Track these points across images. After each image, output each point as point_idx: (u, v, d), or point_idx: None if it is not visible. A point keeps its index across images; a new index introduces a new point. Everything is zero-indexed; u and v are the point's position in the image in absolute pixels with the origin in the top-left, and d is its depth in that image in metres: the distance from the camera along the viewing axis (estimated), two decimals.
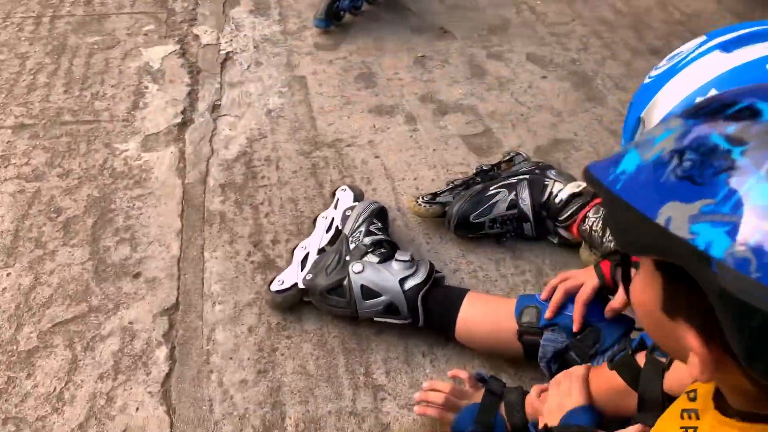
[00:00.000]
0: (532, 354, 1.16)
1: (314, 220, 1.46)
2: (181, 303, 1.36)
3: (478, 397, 1.13)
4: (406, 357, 1.27)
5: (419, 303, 1.22)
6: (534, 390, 1.07)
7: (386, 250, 1.31)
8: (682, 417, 0.65)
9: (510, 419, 1.07)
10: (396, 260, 1.26)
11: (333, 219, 1.42)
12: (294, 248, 1.40)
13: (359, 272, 1.25)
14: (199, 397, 1.20)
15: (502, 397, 1.10)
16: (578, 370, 1.01)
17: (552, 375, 1.14)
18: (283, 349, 1.28)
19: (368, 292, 1.24)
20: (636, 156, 0.57)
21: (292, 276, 1.33)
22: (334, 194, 1.51)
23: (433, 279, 1.25)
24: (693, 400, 0.64)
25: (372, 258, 1.28)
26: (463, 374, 1.15)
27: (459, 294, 1.24)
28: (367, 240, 1.31)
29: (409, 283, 1.23)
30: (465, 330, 1.21)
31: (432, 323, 1.25)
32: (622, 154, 0.59)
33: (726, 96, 0.54)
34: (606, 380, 0.97)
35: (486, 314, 1.20)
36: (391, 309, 1.23)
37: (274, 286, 1.31)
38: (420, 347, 1.29)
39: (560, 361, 1.13)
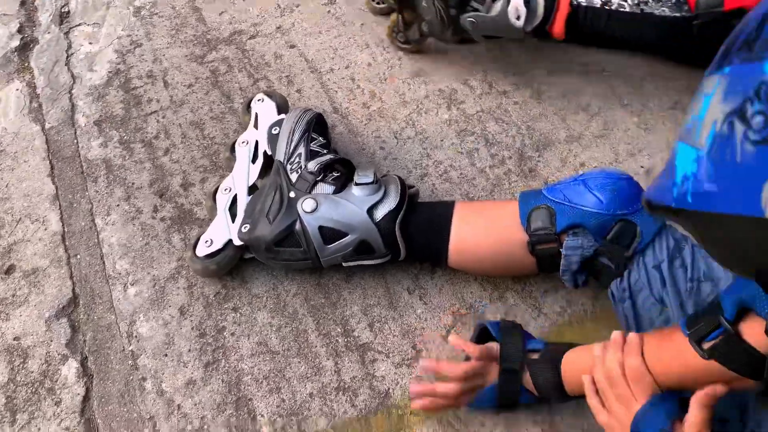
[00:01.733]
0: (548, 266, 0.91)
1: (231, 148, 1.11)
2: (81, 295, 1.01)
3: (494, 370, 0.86)
4: (390, 299, 1.01)
5: (398, 233, 0.93)
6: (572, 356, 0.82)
7: (340, 173, 0.99)
8: None
9: (537, 384, 0.83)
10: (356, 184, 0.95)
11: (257, 143, 1.07)
12: (214, 191, 1.05)
13: (312, 211, 0.93)
14: (135, 418, 0.91)
15: (521, 371, 0.84)
16: (630, 352, 0.70)
17: (577, 286, 0.90)
18: (231, 326, 0.98)
19: (330, 234, 0.93)
20: (688, 150, 0.46)
21: (221, 231, 1.00)
22: (249, 108, 1.14)
23: (408, 197, 0.96)
24: None
25: (324, 188, 0.96)
26: (472, 348, 0.85)
27: (445, 211, 0.95)
28: (312, 164, 0.98)
29: (381, 212, 0.93)
30: (460, 254, 0.94)
31: (417, 254, 0.97)
32: (672, 157, 0.48)
33: (748, 18, 0.45)
34: (676, 353, 0.68)
35: (484, 229, 0.93)
36: (363, 248, 0.94)
37: (201, 250, 0.98)
38: (403, 283, 1.02)
39: (588, 270, 0.89)
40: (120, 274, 1.03)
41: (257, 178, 1.03)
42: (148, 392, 0.92)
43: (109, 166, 1.17)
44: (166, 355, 0.96)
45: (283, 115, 1.08)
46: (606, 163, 1.14)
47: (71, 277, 1.03)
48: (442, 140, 1.20)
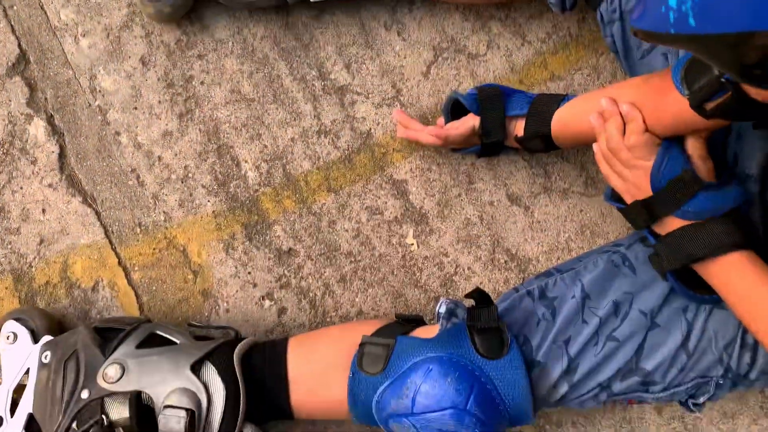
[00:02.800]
0: None
1: None
2: (29, 51, 0.93)
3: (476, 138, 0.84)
4: (366, 37, 0.94)
5: None
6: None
7: None
8: None
9: (523, 142, 0.81)
10: None
11: None
12: None
13: None
14: (117, 171, 0.90)
15: (504, 141, 0.82)
16: (632, 131, 0.67)
17: (565, 9, 0.83)
18: (200, 75, 0.93)
19: None
20: None
21: None
22: None
23: None
24: None
25: None
26: (449, 134, 0.83)
27: None
28: None
29: None
30: None
31: None
32: None
33: None
34: (671, 106, 0.64)
35: None
36: None
37: None
38: (379, 18, 0.95)
39: None
40: (67, 25, 0.94)
41: None
42: (124, 146, 0.90)
43: None
44: (135, 108, 0.91)
45: None
46: None
47: (13, 32, 0.93)
48: None
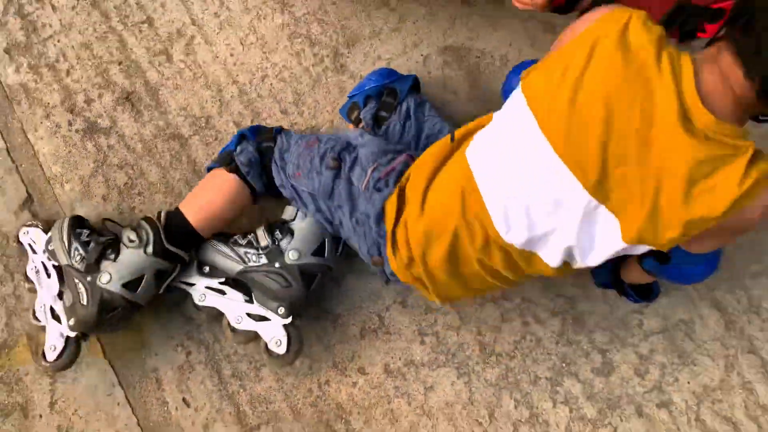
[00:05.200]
0: None
1: (26, 276, 1.34)
2: (33, 193, 1.48)
3: None
4: None
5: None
6: None
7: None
8: None
9: None
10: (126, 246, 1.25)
11: (44, 264, 1.31)
12: (33, 314, 1.31)
13: (108, 282, 1.23)
14: None
15: None
16: None
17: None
18: (138, 205, 1.48)
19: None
20: None
21: (56, 334, 1.26)
22: (19, 241, 1.36)
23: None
24: None
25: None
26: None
27: None
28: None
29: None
30: None
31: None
32: None
33: None
34: None
35: None
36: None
37: (51, 356, 1.25)
38: None
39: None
40: (56, 175, 1.49)
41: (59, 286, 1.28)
42: None
43: (27, 90, 1.54)
44: None
45: (51, 232, 1.29)
46: (396, 55, 1.53)
47: (23, 182, 1.49)
48: (277, 44, 1.56)
